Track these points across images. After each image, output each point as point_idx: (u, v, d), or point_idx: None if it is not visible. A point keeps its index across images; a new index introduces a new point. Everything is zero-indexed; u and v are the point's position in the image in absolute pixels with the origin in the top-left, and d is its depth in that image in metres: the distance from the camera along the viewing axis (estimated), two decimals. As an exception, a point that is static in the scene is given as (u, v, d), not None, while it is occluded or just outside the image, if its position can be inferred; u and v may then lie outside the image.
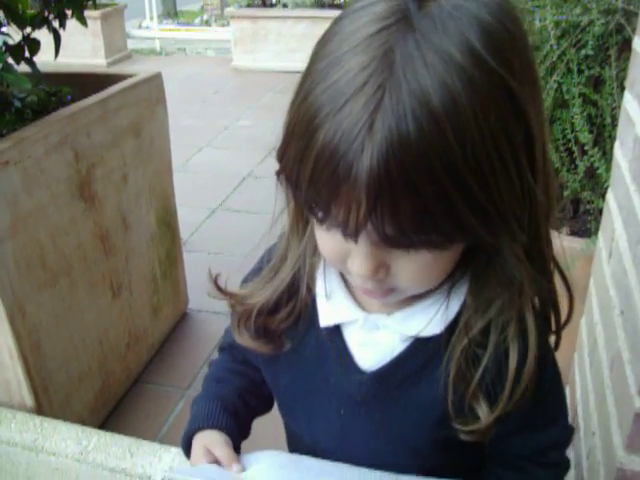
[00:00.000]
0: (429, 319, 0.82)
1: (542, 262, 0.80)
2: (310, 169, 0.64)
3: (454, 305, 0.82)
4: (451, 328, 0.82)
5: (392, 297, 0.78)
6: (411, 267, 0.72)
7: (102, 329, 2.20)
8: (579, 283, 1.88)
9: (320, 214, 0.69)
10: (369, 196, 0.61)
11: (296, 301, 0.90)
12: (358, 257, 0.71)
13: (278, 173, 0.72)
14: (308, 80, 0.67)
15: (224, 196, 4.19)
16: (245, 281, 0.98)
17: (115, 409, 2.34)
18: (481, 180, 0.62)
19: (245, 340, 0.93)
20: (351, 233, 0.67)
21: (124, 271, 2.29)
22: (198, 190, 4.22)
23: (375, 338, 0.86)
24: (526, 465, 0.94)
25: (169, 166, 2.58)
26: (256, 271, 0.97)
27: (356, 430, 0.92)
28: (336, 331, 0.88)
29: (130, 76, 2.34)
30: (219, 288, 0.95)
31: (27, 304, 1.80)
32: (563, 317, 0.89)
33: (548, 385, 0.86)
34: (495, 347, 0.80)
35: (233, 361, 1.11)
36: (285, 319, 0.91)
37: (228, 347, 1.12)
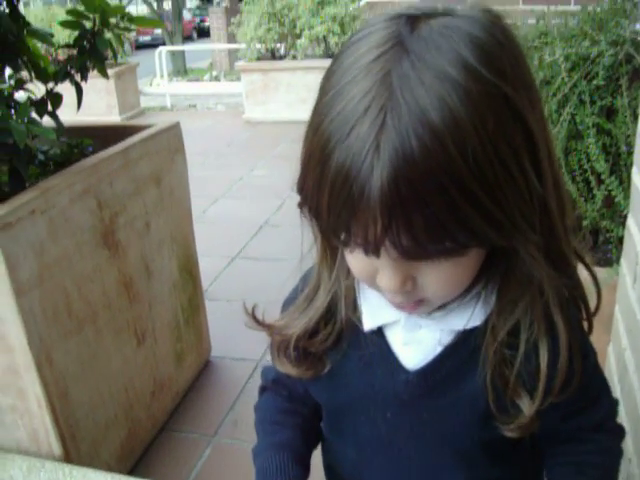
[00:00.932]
0: (468, 313, 0.84)
1: (561, 260, 0.82)
2: (327, 195, 0.68)
3: (491, 298, 0.84)
4: (484, 328, 0.84)
5: (422, 308, 0.81)
6: (435, 276, 0.74)
7: (128, 377, 2.21)
8: (603, 312, 1.87)
9: (343, 237, 0.71)
10: (383, 213, 0.64)
11: (334, 323, 0.92)
12: (385, 273, 0.74)
13: (300, 205, 0.76)
14: (317, 113, 0.71)
15: (242, 245, 4.22)
16: (283, 308, 1.01)
17: (142, 457, 2.33)
18: (486, 186, 0.65)
19: (286, 368, 0.95)
20: (372, 251, 0.70)
21: (148, 318, 2.31)
22: (216, 240, 4.26)
23: (418, 336, 0.88)
24: (587, 435, 0.96)
25: (189, 214, 2.61)
26: (292, 300, 0.99)
27: (402, 433, 0.93)
28: (379, 334, 0.91)
29: (148, 127, 2.39)
30: (256, 320, 0.97)
31: (54, 352, 1.82)
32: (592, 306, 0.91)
33: (591, 370, 0.89)
34: (526, 345, 0.82)
35: (280, 399, 1.12)
36: (324, 341, 0.92)
37: (271, 385, 1.13)
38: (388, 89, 0.64)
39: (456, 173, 0.63)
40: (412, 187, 0.63)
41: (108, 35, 2.03)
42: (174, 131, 2.44)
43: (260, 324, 0.97)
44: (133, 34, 16.90)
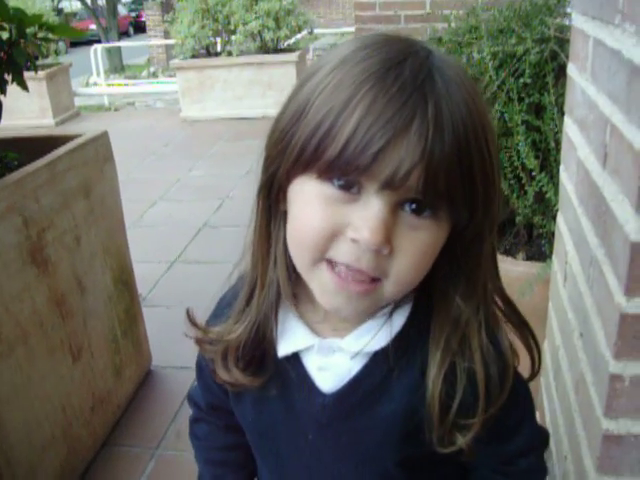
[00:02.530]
0: (376, 336, 0.86)
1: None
2: (353, 125, 0.69)
3: (398, 320, 0.86)
4: (402, 342, 0.86)
5: (368, 299, 0.79)
6: (410, 251, 0.74)
7: (64, 395, 2.15)
8: (539, 307, 1.89)
9: (366, 162, 0.70)
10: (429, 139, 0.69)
11: (260, 342, 0.92)
12: (369, 223, 0.72)
13: (269, 174, 0.80)
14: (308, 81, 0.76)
15: (181, 248, 4.17)
16: (209, 324, 0.99)
17: (84, 475, 2.28)
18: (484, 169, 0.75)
19: (234, 376, 0.93)
20: (401, 178, 0.69)
21: (83, 334, 2.25)
22: (155, 244, 4.19)
23: (332, 361, 0.90)
24: (494, 477, 0.98)
25: (122, 224, 2.56)
26: (219, 315, 0.97)
27: (325, 456, 0.94)
28: (295, 359, 0.91)
29: (76, 136, 2.33)
30: (196, 325, 0.97)
31: (-17, 377, 1.76)
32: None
33: (513, 396, 0.89)
34: (464, 366, 0.84)
35: (218, 433, 1.13)
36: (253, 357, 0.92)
37: (205, 415, 1.14)
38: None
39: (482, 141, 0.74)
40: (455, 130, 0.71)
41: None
42: (102, 140, 2.38)
43: (202, 330, 0.96)
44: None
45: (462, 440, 0.84)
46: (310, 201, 0.75)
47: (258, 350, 0.91)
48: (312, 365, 0.91)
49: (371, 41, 0.75)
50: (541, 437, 1.01)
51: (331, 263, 0.76)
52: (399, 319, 0.86)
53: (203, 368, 1.04)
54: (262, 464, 1.06)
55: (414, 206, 0.73)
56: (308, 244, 0.76)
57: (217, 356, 0.94)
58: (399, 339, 0.86)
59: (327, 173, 0.72)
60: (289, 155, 0.75)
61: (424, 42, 0.77)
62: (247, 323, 0.90)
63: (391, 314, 0.86)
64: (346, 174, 0.71)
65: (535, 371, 0.95)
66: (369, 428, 0.90)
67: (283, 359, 0.90)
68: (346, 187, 0.72)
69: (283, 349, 0.90)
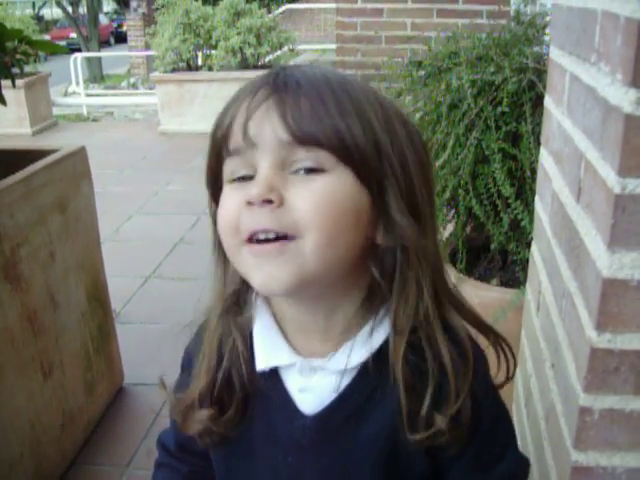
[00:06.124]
0: (356, 352, 0.86)
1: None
2: (219, 119, 0.89)
3: (379, 335, 0.86)
4: (383, 360, 0.85)
5: (287, 255, 0.78)
6: (306, 195, 0.77)
7: (34, 412, 2.12)
8: (512, 334, 1.90)
9: (234, 153, 0.83)
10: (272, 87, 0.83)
11: (231, 369, 0.91)
12: (255, 182, 0.79)
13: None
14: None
15: (156, 264, 4.14)
16: (178, 389, 1.00)
17: (51, 495, 2.25)
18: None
19: (199, 424, 0.93)
20: (248, 135, 0.80)
21: (55, 350, 2.23)
22: (130, 259, 4.16)
23: (313, 382, 0.89)
24: None
25: (97, 240, 2.54)
26: (184, 377, 0.99)
27: (305, 478, 0.93)
28: (276, 377, 0.90)
29: (53, 151, 2.31)
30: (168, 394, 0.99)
31: (-48, 393, 1.73)
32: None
33: (489, 420, 0.90)
34: (433, 360, 0.85)
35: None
36: (228, 392, 0.92)
37: (168, 459, 1.12)
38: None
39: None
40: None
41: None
42: (79, 155, 2.37)
43: (172, 397, 0.98)
44: (47, 37, 16.51)
45: (441, 420, 0.83)
46: (223, 198, 0.83)
47: (230, 390, 0.92)
48: (293, 386, 0.90)
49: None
50: (523, 466, 1.00)
51: (250, 242, 0.79)
52: (379, 336, 0.86)
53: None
54: None
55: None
56: (226, 230, 0.82)
57: (180, 414, 0.95)
58: (378, 355, 0.85)
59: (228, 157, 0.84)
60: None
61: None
62: (209, 367, 0.92)
63: (372, 330, 0.86)
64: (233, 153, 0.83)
65: (509, 374, 0.99)
66: (351, 450, 0.89)
67: (264, 380, 0.90)
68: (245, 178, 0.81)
69: (261, 363, 0.90)
